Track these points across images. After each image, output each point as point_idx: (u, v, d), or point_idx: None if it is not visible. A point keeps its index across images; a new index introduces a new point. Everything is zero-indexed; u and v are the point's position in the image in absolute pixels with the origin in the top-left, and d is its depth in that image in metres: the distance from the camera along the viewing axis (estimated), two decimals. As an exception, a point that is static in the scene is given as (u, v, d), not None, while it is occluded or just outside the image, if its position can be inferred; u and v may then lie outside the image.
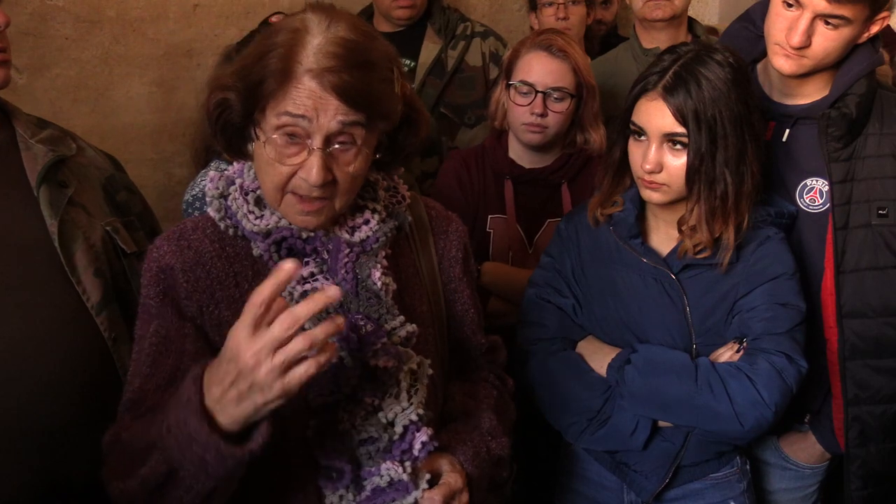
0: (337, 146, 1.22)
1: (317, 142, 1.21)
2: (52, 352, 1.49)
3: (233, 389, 1.06)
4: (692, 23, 2.64)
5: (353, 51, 1.20)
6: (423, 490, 1.27)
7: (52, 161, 1.57)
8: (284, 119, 1.20)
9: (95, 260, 1.56)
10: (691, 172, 1.58)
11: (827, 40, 1.66)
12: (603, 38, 3.16)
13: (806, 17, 1.64)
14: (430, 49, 2.69)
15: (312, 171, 1.21)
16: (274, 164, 1.23)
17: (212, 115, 1.27)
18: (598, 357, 1.71)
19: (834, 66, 1.73)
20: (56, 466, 1.49)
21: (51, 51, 2.68)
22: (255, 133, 1.24)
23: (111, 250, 1.62)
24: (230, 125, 1.27)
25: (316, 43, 1.19)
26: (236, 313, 1.25)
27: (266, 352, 1.04)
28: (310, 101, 1.18)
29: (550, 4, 2.79)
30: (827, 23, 1.64)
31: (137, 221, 1.73)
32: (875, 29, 1.70)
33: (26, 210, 1.53)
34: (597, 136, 2.15)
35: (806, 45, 1.66)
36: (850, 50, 1.72)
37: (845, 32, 1.66)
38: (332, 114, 1.19)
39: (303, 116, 1.19)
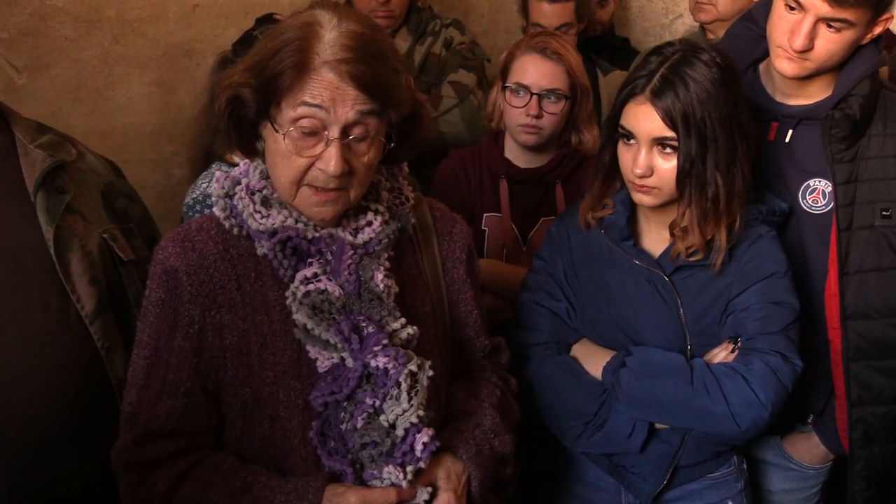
0: (353, 137, 1.26)
1: (334, 132, 1.24)
2: (44, 360, 1.47)
3: None
4: None
5: (366, 43, 1.24)
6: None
7: (51, 167, 1.55)
8: (301, 110, 1.23)
9: (91, 268, 1.55)
10: (682, 176, 1.58)
11: (829, 43, 1.66)
12: (599, 39, 3.14)
13: (808, 20, 1.63)
14: (400, 47, 2.67)
15: (331, 161, 1.24)
16: (290, 157, 1.26)
17: (223, 112, 1.29)
18: (593, 360, 1.71)
19: (837, 67, 1.73)
20: (46, 475, 1.47)
21: (50, 51, 2.66)
22: (273, 126, 1.26)
23: (108, 258, 1.60)
24: (243, 121, 1.30)
25: (331, 36, 1.23)
26: (236, 317, 1.32)
27: None
28: (327, 92, 1.22)
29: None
30: (829, 26, 1.63)
31: (136, 229, 1.72)
32: (878, 30, 1.69)
33: (22, 216, 1.52)
34: (590, 137, 2.19)
35: (808, 48, 1.65)
36: (854, 51, 1.71)
37: (848, 35, 1.65)
38: (351, 103, 1.23)
39: (319, 106, 1.22)
